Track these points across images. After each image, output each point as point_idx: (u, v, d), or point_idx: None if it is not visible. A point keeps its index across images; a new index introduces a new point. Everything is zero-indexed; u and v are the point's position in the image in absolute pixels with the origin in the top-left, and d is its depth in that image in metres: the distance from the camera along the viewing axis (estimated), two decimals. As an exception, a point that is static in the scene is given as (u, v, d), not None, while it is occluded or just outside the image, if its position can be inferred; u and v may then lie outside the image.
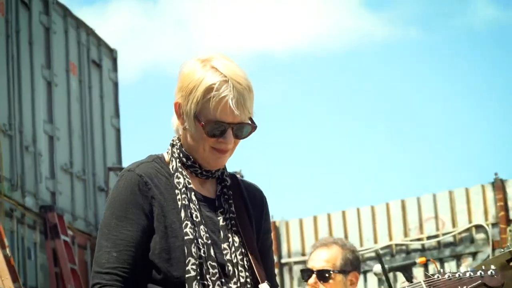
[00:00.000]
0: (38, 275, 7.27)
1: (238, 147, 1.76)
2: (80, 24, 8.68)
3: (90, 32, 8.90)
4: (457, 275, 1.94)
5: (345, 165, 19.48)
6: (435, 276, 1.94)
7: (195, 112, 1.69)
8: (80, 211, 8.03)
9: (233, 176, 1.86)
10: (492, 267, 1.98)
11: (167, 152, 1.79)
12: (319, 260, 3.31)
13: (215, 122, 1.68)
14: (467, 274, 1.94)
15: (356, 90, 20.32)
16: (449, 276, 1.94)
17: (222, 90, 1.65)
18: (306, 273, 3.35)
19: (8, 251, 5.89)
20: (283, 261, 9.14)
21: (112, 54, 9.51)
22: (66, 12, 8.40)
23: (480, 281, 1.93)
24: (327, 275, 3.25)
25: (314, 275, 3.27)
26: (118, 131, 9.34)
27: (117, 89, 9.50)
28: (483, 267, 2.02)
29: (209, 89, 1.66)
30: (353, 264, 3.31)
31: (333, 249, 3.34)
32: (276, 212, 9.98)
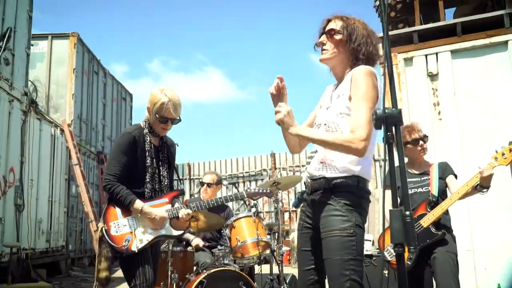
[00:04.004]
0: (94, 178, 11.49)
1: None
2: (116, 82, 13.10)
3: (120, 85, 13.50)
4: (256, 190, 3.27)
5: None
6: (251, 188, 4.20)
7: (155, 112, 2.75)
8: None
9: (165, 136, 2.95)
10: (268, 189, 3.36)
11: (142, 123, 2.90)
12: (208, 178, 4.99)
13: (163, 118, 2.73)
14: (257, 190, 3.28)
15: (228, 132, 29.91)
16: (254, 189, 3.28)
17: (167, 105, 2.71)
18: (202, 184, 4.92)
19: (82, 169, 9.35)
20: (192, 177, 15.07)
21: (130, 94, 14.22)
22: (112, 77, 12.93)
23: (264, 194, 3.33)
24: (211, 184, 4.90)
25: (205, 185, 4.90)
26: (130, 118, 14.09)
27: (131, 111, 14.33)
28: (266, 188, 3.33)
29: (162, 104, 2.73)
30: (220, 182, 5.03)
31: (213, 175, 5.05)
32: (191, 157, 16.42)
